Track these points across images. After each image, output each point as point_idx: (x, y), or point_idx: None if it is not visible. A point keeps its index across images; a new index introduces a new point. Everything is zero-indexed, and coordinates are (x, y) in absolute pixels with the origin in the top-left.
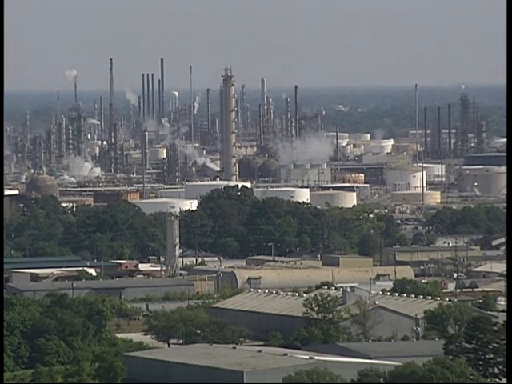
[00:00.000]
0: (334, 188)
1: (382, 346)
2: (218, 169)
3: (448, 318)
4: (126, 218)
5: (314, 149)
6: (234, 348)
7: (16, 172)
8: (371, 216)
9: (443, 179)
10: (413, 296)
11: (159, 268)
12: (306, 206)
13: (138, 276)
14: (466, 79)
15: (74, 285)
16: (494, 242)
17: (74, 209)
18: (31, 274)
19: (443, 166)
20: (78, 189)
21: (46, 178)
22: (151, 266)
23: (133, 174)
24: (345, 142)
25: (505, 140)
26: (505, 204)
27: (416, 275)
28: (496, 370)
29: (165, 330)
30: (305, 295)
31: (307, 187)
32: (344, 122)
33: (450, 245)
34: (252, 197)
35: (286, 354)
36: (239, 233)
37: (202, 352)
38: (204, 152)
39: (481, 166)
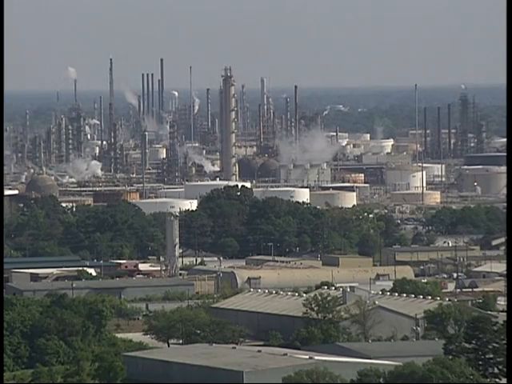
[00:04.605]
0: (333, 188)
1: (381, 346)
2: (208, 165)
3: (448, 318)
4: (126, 218)
5: (314, 149)
6: (234, 348)
7: (16, 172)
8: (371, 216)
9: (443, 179)
10: (413, 296)
11: (159, 268)
12: (305, 205)
13: (137, 276)
14: (466, 79)
15: (74, 285)
16: (494, 242)
17: (74, 209)
18: (31, 273)
19: (443, 165)
20: (78, 189)
21: (46, 177)
22: (151, 266)
23: (133, 173)
24: (345, 142)
25: (505, 140)
26: (505, 204)
27: (416, 275)
28: (496, 370)
29: (165, 330)
30: (305, 295)
31: (307, 187)
32: (344, 122)
33: (450, 245)
34: (252, 197)
35: (285, 354)
36: (239, 233)
37: (202, 352)
38: (204, 152)
39: (481, 166)
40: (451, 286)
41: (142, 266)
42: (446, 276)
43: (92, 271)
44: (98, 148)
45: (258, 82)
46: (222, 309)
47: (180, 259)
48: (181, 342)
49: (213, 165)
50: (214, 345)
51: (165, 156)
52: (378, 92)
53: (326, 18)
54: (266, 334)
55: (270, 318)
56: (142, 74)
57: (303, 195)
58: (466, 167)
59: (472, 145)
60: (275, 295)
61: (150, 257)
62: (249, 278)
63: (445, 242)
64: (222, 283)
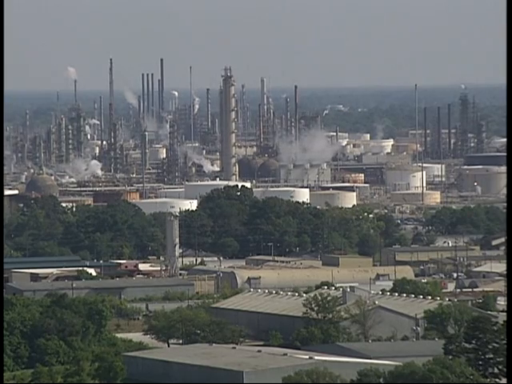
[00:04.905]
0: (333, 188)
1: (381, 346)
2: (208, 165)
3: (448, 318)
4: (126, 218)
5: (314, 149)
6: (234, 348)
7: (16, 172)
8: (371, 216)
9: (443, 179)
10: (413, 296)
11: (159, 268)
12: (305, 205)
13: (137, 276)
14: (466, 79)
15: (74, 285)
16: (494, 242)
17: (74, 209)
18: (31, 273)
19: (443, 166)
20: (78, 189)
21: (46, 177)
22: (151, 266)
23: (133, 173)
24: (345, 142)
25: (505, 140)
26: (505, 204)
27: (416, 275)
28: (496, 370)
29: (165, 330)
30: (305, 295)
31: (307, 187)
32: (344, 122)
33: (450, 245)
34: (252, 197)
35: (285, 354)
36: (239, 233)
37: (202, 352)
38: (204, 152)
39: (481, 166)
40: (451, 286)
41: (142, 266)
42: (442, 276)
43: (92, 271)
44: (98, 148)
45: (258, 82)
46: (222, 309)
47: (180, 259)
48: (181, 342)
49: (212, 164)
50: (213, 345)
51: (165, 156)
52: (378, 92)
53: (325, 18)
54: (266, 334)
55: (270, 318)
56: (142, 74)
57: (303, 195)
58: (466, 167)
59: (472, 145)
60: (275, 295)
61: (150, 257)
62: (249, 277)
63: (445, 242)
64: (222, 283)
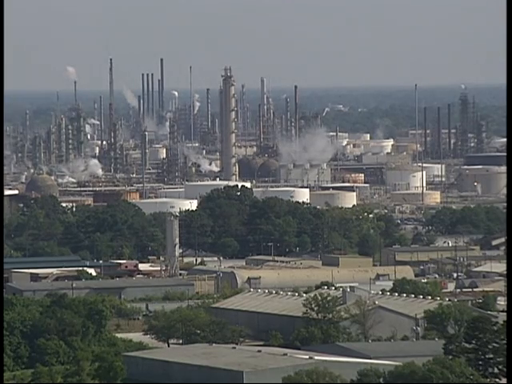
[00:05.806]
0: (333, 188)
1: (381, 346)
2: (205, 164)
3: (448, 318)
4: (126, 218)
5: (314, 149)
6: (234, 348)
7: (16, 172)
8: (371, 216)
9: (443, 179)
10: (413, 296)
11: (159, 268)
12: (305, 205)
13: (137, 276)
14: (466, 79)
15: (74, 285)
16: (494, 242)
17: (74, 209)
18: (31, 273)
19: (443, 165)
20: (78, 189)
21: (46, 177)
22: (151, 266)
23: (133, 173)
24: (345, 142)
25: (505, 140)
26: (505, 204)
27: (416, 275)
28: (496, 370)
29: (165, 329)
30: (305, 295)
31: (307, 187)
32: (344, 122)
33: (450, 245)
34: (252, 197)
35: (285, 354)
36: (239, 233)
37: (202, 352)
38: (204, 152)
39: (481, 166)
40: (451, 286)
41: (142, 266)
42: (438, 276)
43: (92, 271)
44: (97, 148)
45: (258, 82)
46: (222, 309)
47: (180, 259)
48: (181, 342)
49: (210, 164)
50: (213, 345)
51: (165, 156)
52: (378, 92)
53: (326, 18)
54: (266, 334)
55: (270, 318)
56: (142, 74)
57: (303, 195)
58: (466, 167)
59: (472, 145)
60: (275, 295)
61: (149, 257)
62: (249, 277)
63: (445, 242)
64: (222, 283)
